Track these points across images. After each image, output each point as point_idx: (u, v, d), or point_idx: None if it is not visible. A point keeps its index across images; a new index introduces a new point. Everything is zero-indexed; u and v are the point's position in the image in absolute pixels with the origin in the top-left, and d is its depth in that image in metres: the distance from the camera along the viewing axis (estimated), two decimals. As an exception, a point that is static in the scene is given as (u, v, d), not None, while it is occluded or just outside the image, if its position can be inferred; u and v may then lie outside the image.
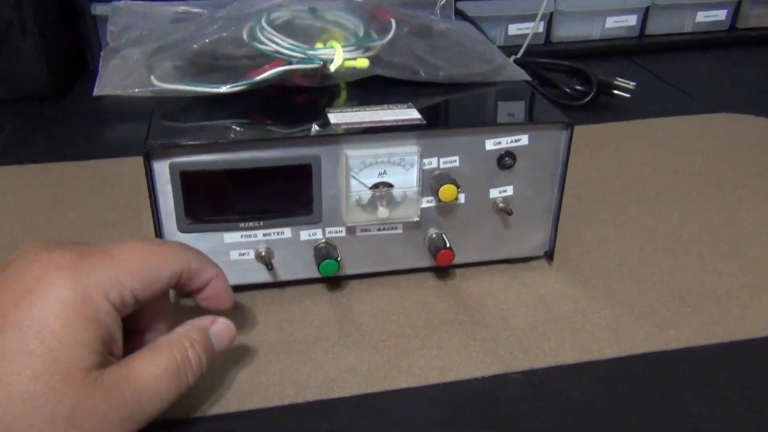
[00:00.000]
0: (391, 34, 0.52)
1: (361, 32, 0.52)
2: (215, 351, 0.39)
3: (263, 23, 0.50)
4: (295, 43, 0.49)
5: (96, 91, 0.50)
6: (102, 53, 0.55)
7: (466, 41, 0.57)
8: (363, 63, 0.49)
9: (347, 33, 0.53)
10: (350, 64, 0.49)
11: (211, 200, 0.45)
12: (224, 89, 0.47)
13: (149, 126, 0.45)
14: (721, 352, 0.45)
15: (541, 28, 0.93)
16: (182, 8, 0.58)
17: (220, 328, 0.40)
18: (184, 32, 0.53)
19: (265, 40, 0.49)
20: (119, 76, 0.50)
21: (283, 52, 0.48)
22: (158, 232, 0.45)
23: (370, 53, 0.51)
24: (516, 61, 0.81)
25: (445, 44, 0.55)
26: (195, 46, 0.50)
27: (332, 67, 0.48)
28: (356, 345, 0.45)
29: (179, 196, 0.44)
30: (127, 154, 0.67)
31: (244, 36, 0.50)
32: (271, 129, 0.45)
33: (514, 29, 0.92)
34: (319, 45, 0.50)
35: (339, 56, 0.48)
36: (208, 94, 0.47)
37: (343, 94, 0.51)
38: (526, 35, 0.88)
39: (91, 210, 0.59)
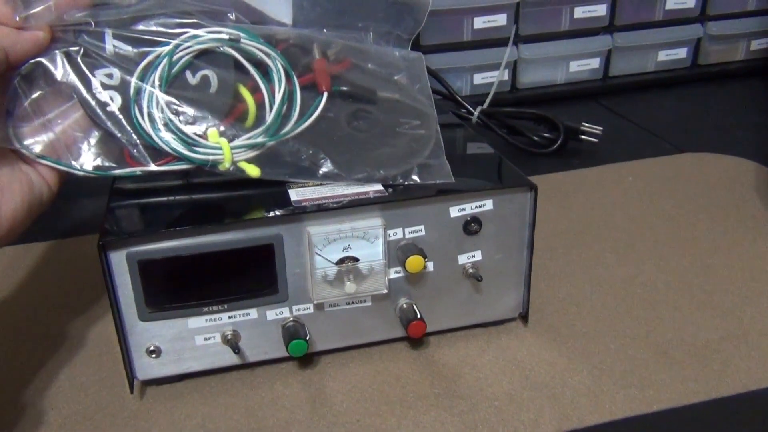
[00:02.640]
0: (306, 123, 0.45)
1: (276, 100, 0.45)
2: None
3: (155, 83, 0.43)
4: (178, 137, 0.43)
5: None
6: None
7: (403, 117, 0.49)
8: (253, 171, 0.44)
9: (265, 87, 0.45)
10: (242, 165, 0.44)
11: (172, 286, 0.44)
12: (118, 172, 0.43)
13: (105, 214, 0.44)
14: (702, 411, 0.44)
15: (506, 75, 0.94)
16: None
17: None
18: None
19: (146, 120, 0.43)
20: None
21: (160, 146, 0.43)
22: (118, 322, 0.43)
23: (271, 144, 0.44)
24: (482, 112, 0.82)
25: (373, 119, 0.48)
26: None
27: (221, 168, 0.44)
28: (330, 427, 0.43)
29: (138, 286, 0.42)
30: (92, 232, 0.66)
31: (131, 94, 0.43)
32: (231, 210, 0.44)
33: (479, 78, 0.93)
34: (212, 135, 0.43)
35: (227, 158, 0.43)
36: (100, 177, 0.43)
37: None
38: (491, 84, 0.89)
39: (52, 292, 0.57)
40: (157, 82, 0.43)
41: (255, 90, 0.45)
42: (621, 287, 0.56)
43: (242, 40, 0.44)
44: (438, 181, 0.46)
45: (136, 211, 0.45)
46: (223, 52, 0.44)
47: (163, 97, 0.43)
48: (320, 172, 0.46)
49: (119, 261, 0.42)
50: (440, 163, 0.47)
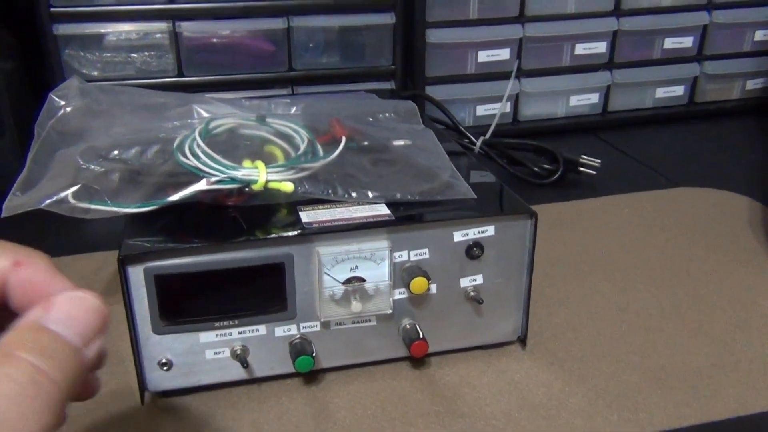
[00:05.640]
0: (332, 156, 0.50)
1: (302, 149, 0.50)
2: (75, 344, 0.27)
3: (196, 134, 0.48)
4: (217, 160, 0.46)
5: (5, 210, 0.45)
6: (32, 147, 0.50)
7: (418, 157, 0.54)
8: (287, 188, 0.47)
9: (291, 148, 0.51)
10: (275, 186, 0.47)
11: (186, 301, 0.46)
12: (133, 210, 0.45)
13: (124, 230, 0.46)
14: (694, 434, 0.45)
15: (508, 108, 0.96)
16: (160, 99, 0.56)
17: (63, 310, 0.27)
18: (125, 131, 0.50)
19: (189, 155, 0.46)
20: (42, 184, 0.46)
21: (202, 170, 0.46)
22: (132, 334, 0.45)
23: (303, 174, 0.48)
24: (485, 142, 0.84)
25: (391, 159, 0.53)
26: (116, 153, 0.48)
27: (255, 188, 0.46)
28: (333, 442, 0.45)
29: (154, 300, 0.44)
30: (105, 248, 0.68)
31: (174, 146, 0.48)
32: (244, 230, 0.46)
33: (482, 110, 0.95)
34: (246, 163, 0.47)
35: (262, 177, 0.46)
36: (120, 214, 0.45)
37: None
38: (493, 115, 0.92)
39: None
40: (198, 133, 0.48)
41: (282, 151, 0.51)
42: (616, 315, 0.58)
43: (267, 118, 0.52)
44: (463, 197, 0.50)
45: (155, 229, 0.46)
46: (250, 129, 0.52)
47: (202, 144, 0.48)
48: (351, 192, 0.48)
49: (137, 275, 0.44)
50: (460, 182, 0.51)
